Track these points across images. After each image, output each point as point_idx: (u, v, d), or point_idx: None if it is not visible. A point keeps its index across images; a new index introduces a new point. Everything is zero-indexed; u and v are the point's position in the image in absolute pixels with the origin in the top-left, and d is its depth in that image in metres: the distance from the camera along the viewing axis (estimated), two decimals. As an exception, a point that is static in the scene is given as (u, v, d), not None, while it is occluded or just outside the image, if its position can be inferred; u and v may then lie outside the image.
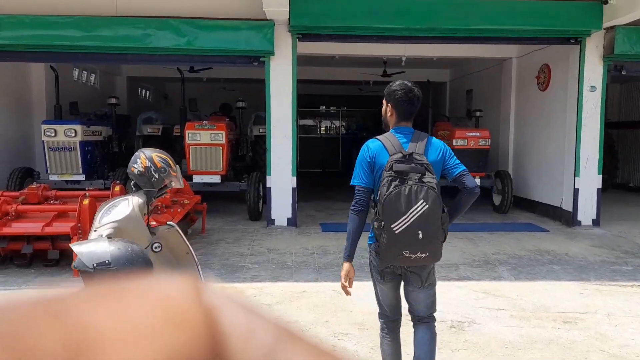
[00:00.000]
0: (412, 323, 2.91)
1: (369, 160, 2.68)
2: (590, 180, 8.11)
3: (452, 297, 4.88)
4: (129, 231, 2.88)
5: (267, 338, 0.24)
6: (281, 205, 7.86)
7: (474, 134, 9.09)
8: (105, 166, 9.13)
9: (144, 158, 3.00)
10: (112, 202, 2.99)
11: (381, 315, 2.94)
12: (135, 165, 3.00)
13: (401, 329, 3.00)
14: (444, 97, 14.29)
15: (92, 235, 2.83)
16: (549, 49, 8.77)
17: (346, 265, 2.82)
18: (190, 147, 8.32)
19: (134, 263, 2.39)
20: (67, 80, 10.57)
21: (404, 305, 2.90)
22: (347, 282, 2.87)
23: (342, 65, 12.88)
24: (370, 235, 2.76)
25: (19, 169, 8.30)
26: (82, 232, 5.26)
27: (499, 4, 7.56)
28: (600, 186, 8.18)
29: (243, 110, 10.11)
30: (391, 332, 2.90)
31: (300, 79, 7.95)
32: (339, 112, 19.76)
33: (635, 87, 12.82)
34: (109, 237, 2.75)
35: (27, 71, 9.70)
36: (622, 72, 8.15)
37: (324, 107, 19.72)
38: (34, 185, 6.52)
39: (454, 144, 8.64)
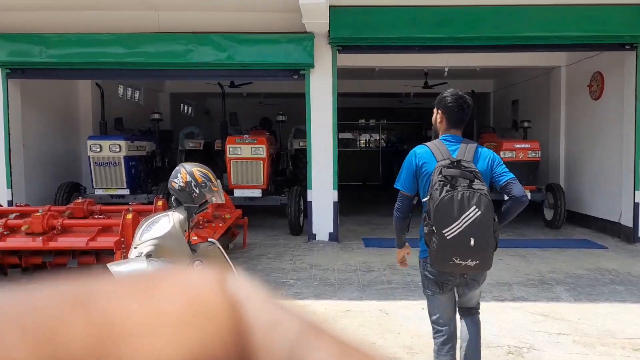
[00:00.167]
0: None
1: (414, 166, 2.71)
2: (651, 193, 7.60)
3: (507, 319, 4.58)
4: (169, 248, 2.78)
5: (292, 330, 0.23)
6: (322, 219, 7.71)
7: (523, 145, 8.70)
8: (149, 181, 9.23)
9: (184, 173, 2.91)
10: (153, 218, 2.91)
11: (439, 334, 2.81)
12: (175, 180, 2.92)
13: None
14: (488, 108, 13.89)
15: (133, 252, 2.75)
16: (601, 55, 8.34)
17: (400, 250, 2.97)
18: (231, 161, 8.30)
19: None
20: (113, 97, 10.84)
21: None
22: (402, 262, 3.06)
23: (382, 78, 12.71)
24: (421, 249, 2.74)
25: (66, 184, 8.48)
26: (125, 246, 5.25)
27: (549, 10, 7.25)
28: (662, 200, 7.65)
29: (283, 124, 10.07)
30: (450, 352, 2.79)
31: (340, 92, 7.83)
32: (379, 125, 19.54)
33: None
34: (149, 254, 2.67)
35: (75, 89, 9.98)
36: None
37: (363, 120, 19.56)
38: (79, 200, 6.61)
39: (502, 155, 8.28)
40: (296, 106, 11.15)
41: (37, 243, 5.44)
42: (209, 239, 3.08)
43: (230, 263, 3.06)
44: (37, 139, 8.55)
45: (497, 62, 9.78)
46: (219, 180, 3.05)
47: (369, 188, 16.34)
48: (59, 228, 5.66)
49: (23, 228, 5.61)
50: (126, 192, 8.47)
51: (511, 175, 2.68)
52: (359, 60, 9.18)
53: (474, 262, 2.53)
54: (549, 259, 6.79)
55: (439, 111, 2.78)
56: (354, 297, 5.19)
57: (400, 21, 7.33)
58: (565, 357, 3.84)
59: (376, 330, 4.32)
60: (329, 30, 7.37)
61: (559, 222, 8.72)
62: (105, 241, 5.47)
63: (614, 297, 5.21)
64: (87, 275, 0.24)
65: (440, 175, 2.55)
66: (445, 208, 2.50)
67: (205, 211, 3.44)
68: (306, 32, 7.43)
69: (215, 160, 9.77)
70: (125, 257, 3.91)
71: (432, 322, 2.83)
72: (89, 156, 8.47)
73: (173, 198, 2.98)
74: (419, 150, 2.75)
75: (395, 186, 2.82)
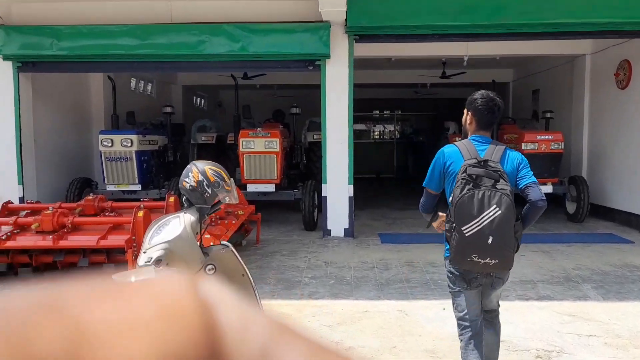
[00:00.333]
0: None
1: (442, 165, 2.75)
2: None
3: (533, 320, 4.36)
4: (180, 252, 2.62)
5: (263, 332, 0.24)
6: (337, 215, 7.51)
7: (546, 137, 8.39)
8: (161, 176, 9.10)
9: (195, 172, 2.74)
10: (163, 220, 2.75)
11: (465, 331, 2.80)
12: (186, 180, 2.74)
13: None
14: (507, 98, 13.52)
15: (142, 257, 2.59)
16: (628, 43, 7.99)
17: (435, 222, 2.97)
18: (244, 155, 8.12)
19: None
20: (125, 90, 10.70)
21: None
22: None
23: (398, 68, 12.43)
24: (446, 247, 2.77)
25: (78, 179, 8.37)
26: (137, 245, 5.11)
27: (576, -5, 6.92)
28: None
29: (297, 116, 9.85)
30: (477, 348, 2.78)
31: (354, 83, 7.59)
32: (393, 116, 19.24)
33: None
34: (159, 260, 2.51)
35: (87, 82, 9.85)
36: None
37: (377, 112, 19.27)
38: (90, 197, 6.49)
39: (523, 147, 7.99)
40: (310, 98, 10.93)
41: (47, 242, 5.33)
42: (222, 242, 2.90)
43: (245, 267, 2.89)
44: (49, 134, 8.44)
45: (519, 51, 9.46)
46: (232, 179, 2.87)
47: (383, 180, 16.11)
48: (70, 226, 5.54)
49: (33, 226, 5.50)
50: (138, 187, 8.34)
51: (533, 179, 2.69)
52: (375, 50, 8.92)
53: (493, 261, 2.56)
54: (574, 254, 6.54)
55: (469, 112, 2.79)
56: (372, 296, 5.00)
57: (421, 9, 7.06)
58: (599, 363, 3.62)
59: (396, 333, 4.13)
60: (345, 19, 7.13)
61: (582, 215, 8.43)
62: (116, 239, 5.34)
63: (646, 297, 4.96)
64: (59, 279, 0.23)
65: (464, 174, 2.59)
66: (465, 206, 2.55)
67: (218, 211, 3.27)
68: (322, 21, 7.19)
69: (228, 154, 9.60)
70: (136, 258, 3.75)
71: (459, 319, 2.82)
72: (100, 151, 8.35)
73: (184, 198, 2.81)
74: (448, 149, 2.77)
75: (423, 185, 2.88)
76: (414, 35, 7.44)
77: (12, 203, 6.73)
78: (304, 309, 4.68)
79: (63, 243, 5.39)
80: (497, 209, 2.51)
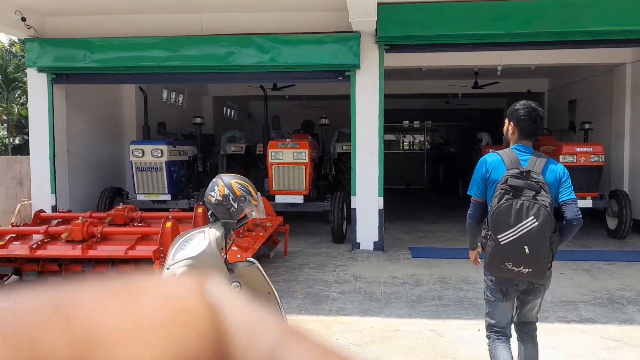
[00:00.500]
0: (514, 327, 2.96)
1: (484, 173, 2.78)
2: None
3: (576, 344, 4.11)
4: (204, 269, 2.52)
5: (271, 335, 0.24)
6: (367, 227, 7.36)
7: (585, 149, 8.06)
8: (191, 186, 9.12)
9: (221, 185, 2.65)
10: (188, 235, 2.67)
11: (494, 332, 2.90)
12: (212, 194, 2.66)
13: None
14: (542, 108, 13.13)
15: (165, 273, 2.51)
16: (673, 50, 7.64)
17: (473, 252, 3.03)
18: (273, 166, 8.06)
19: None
20: (156, 101, 10.83)
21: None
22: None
23: (429, 78, 12.24)
24: (484, 255, 2.82)
25: (109, 189, 8.46)
26: (164, 256, 5.08)
27: (618, 2, 6.64)
28: None
29: (326, 127, 9.77)
30: (504, 342, 2.89)
31: (384, 94, 7.45)
32: (424, 127, 18.99)
33: None
34: (182, 276, 2.41)
35: (119, 93, 10.01)
36: None
37: (407, 122, 19.07)
38: (120, 207, 6.53)
39: (561, 160, 7.67)
40: (339, 109, 10.84)
41: (76, 251, 5.34)
42: (248, 259, 2.80)
43: (271, 284, 2.78)
44: (82, 144, 8.58)
45: (555, 60, 9.17)
46: (259, 193, 2.77)
47: (413, 192, 15.85)
48: (99, 236, 5.56)
49: (63, 236, 5.54)
50: (167, 197, 8.37)
51: (572, 195, 2.71)
52: (405, 60, 8.79)
53: (527, 270, 2.61)
54: (616, 273, 6.20)
55: (511, 123, 2.81)
56: (403, 314, 4.82)
57: (453, 18, 6.89)
58: (651, 396, 3.35)
59: (428, 355, 3.95)
60: (376, 29, 7.02)
61: (624, 232, 8.04)
62: (144, 250, 5.32)
63: (699, 322, 4.62)
64: (67, 282, 0.23)
65: (504, 184, 2.62)
66: (502, 215, 2.60)
67: (244, 226, 3.18)
68: (352, 32, 7.11)
69: (257, 165, 9.59)
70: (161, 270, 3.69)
71: (489, 324, 2.90)
72: (131, 161, 8.42)
73: (210, 213, 2.73)
74: (490, 158, 2.80)
75: (467, 193, 2.90)
76: (445, 44, 7.28)
77: (44, 212, 6.84)
78: (332, 326, 4.53)
79: (92, 253, 5.40)
80: (535, 220, 2.55)
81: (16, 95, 31.99)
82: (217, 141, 10.85)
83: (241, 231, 5.69)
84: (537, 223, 2.54)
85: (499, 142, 7.46)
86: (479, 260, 3.03)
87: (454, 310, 4.90)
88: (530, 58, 9.01)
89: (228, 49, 7.35)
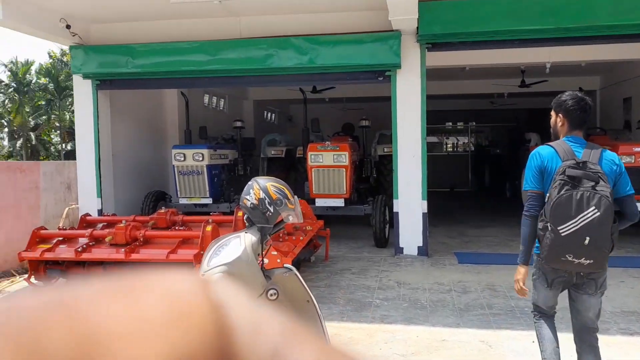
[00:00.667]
0: (574, 339, 2.88)
1: (540, 165, 2.73)
2: None
3: (640, 360, 3.79)
4: (239, 275, 2.42)
5: (275, 334, 0.24)
6: (410, 232, 7.13)
7: (644, 148, 7.57)
8: (231, 189, 9.14)
9: (257, 189, 2.55)
10: (223, 241, 2.57)
11: (538, 311, 2.94)
12: (247, 198, 2.56)
13: None
14: (594, 107, 12.49)
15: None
16: None
17: (523, 270, 2.82)
18: (313, 169, 7.96)
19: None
20: (198, 105, 10.95)
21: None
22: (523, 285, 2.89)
23: (473, 77, 11.88)
24: (536, 245, 2.78)
25: (153, 193, 8.57)
26: (204, 260, 5.04)
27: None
28: None
29: (366, 129, 9.60)
30: (548, 320, 2.92)
31: (426, 95, 7.22)
32: (468, 128, 18.51)
33: None
34: (217, 283, 2.32)
35: (162, 98, 10.16)
36: None
37: (450, 124, 18.64)
38: (163, 210, 6.57)
39: (617, 160, 7.23)
40: (380, 110, 10.64)
41: (119, 255, 5.40)
42: (285, 265, 2.68)
43: (310, 293, 2.65)
44: (126, 148, 8.73)
45: (608, 56, 8.69)
46: (296, 197, 2.65)
47: (457, 194, 15.43)
48: (141, 239, 5.59)
49: (107, 239, 5.60)
50: (209, 201, 8.41)
51: (631, 190, 2.69)
52: (448, 59, 8.52)
53: (588, 261, 2.56)
54: (682, 282, 5.75)
55: (559, 115, 2.79)
56: (450, 323, 4.59)
57: (498, 13, 6.61)
58: None
59: (478, 367, 3.72)
60: (417, 27, 6.81)
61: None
62: (185, 254, 5.31)
63: None
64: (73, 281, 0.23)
65: (562, 175, 2.59)
66: (563, 206, 2.55)
67: (281, 231, 3.06)
68: (392, 31, 6.92)
69: (297, 168, 9.52)
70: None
71: (534, 304, 2.93)
72: (173, 165, 8.51)
73: (245, 217, 2.63)
74: (543, 150, 2.75)
75: (524, 189, 2.81)
76: (490, 41, 6.99)
77: (90, 216, 6.96)
78: (375, 334, 4.37)
79: (134, 256, 5.43)
80: (596, 210, 2.51)
81: (68, 103, 33.32)
82: (257, 145, 10.86)
83: (281, 235, 5.60)
84: (598, 213, 2.51)
85: (548, 142, 7.07)
86: (525, 289, 2.83)
87: (505, 320, 4.64)
88: (582, 54, 8.57)
89: (266, 51, 7.30)
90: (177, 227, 6.26)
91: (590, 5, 6.47)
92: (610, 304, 4.78)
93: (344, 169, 7.90)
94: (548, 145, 2.75)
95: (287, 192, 2.57)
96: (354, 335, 4.35)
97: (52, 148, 36.81)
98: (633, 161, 7.43)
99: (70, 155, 27.69)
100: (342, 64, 7.24)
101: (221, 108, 12.75)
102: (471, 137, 18.66)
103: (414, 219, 7.10)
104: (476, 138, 18.66)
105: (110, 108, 8.24)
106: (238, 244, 2.48)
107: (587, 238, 2.52)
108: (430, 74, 7.95)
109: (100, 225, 6.42)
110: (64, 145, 36.02)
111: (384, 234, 7.61)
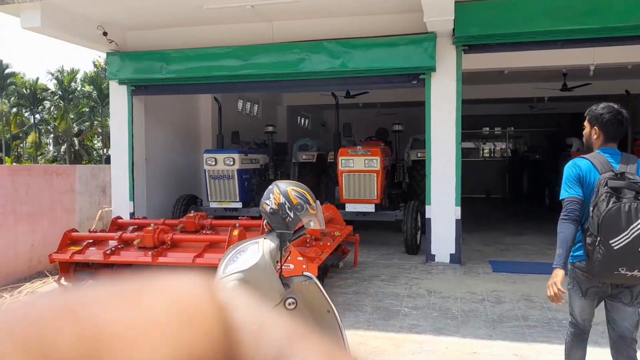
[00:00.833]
0: (610, 352, 2.84)
1: (578, 174, 2.72)
2: None
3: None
4: (257, 283, 2.33)
5: (279, 336, 0.24)
6: (443, 238, 6.92)
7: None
8: (262, 194, 9.13)
9: (277, 193, 2.46)
10: (241, 246, 2.50)
11: (572, 326, 2.92)
12: (267, 202, 2.48)
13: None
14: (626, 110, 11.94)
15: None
16: None
17: (561, 273, 2.68)
18: (343, 174, 7.85)
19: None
20: (232, 110, 11.02)
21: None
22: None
23: (511, 81, 11.54)
24: (573, 253, 2.76)
25: (184, 197, 8.65)
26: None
27: None
28: None
29: (399, 134, 9.42)
30: (580, 342, 2.90)
31: (462, 99, 7.00)
32: (505, 133, 18.03)
33: None
34: (233, 291, 2.23)
35: (196, 104, 10.28)
36: None
37: (487, 129, 18.20)
38: (191, 214, 6.59)
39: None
40: (414, 115, 10.45)
41: (147, 258, 5.42)
42: (305, 273, 2.58)
43: (330, 302, 2.54)
44: (159, 153, 8.85)
45: (657, 57, 8.23)
46: (318, 202, 2.54)
47: (494, 201, 15.01)
48: (169, 243, 5.60)
49: (135, 242, 5.64)
50: (239, 205, 8.41)
51: None
52: (485, 62, 8.25)
53: None
54: None
55: (595, 127, 2.77)
56: (482, 335, 4.39)
57: (539, 13, 6.35)
58: None
59: (511, 383, 3.52)
60: (453, 29, 6.62)
61: None
62: (212, 258, 5.28)
63: None
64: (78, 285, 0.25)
65: (606, 187, 2.57)
66: (613, 219, 2.52)
67: (303, 237, 2.95)
68: (427, 33, 6.76)
69: (328, 173, 9.44)
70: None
71: (570, 314, 2.90)
72: (204, 169, 8.56)
73: (265, 222, 2.54)
74: (580, 162, 2.75)
75: (562, 197, 2.75)
76: (530, 42, 6.73)
77: (121, 219, 7.06)
78: (402, 345, 4.21)
79: (162, 260, 5.45)
80: None
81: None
82: (289, 149, 10.84)
83: (308, 240, 5.51)
84: None
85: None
86: (563, 290, 2.64)
87: (541, 332, 4.40)
88: (628, 55, 8.14)
89: (299, 55, 7.26)
90: (205, 231, 6.27)
91: (637, 3, 6.14)
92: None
93: (375, 174, 7.75)
94: (583, 157, 2.74)
95: (308, 196, 2.47)
96: (380, 344, 4.21)
97: (94, 153, 38.00)
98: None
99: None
100: (375, 68, 7.11)
101: (255, 114, 12.82)
102: (509, 142, 18.15)
103: (446, 226, 6.89)
104: (514, 143, 18.14)
105: (144, 113, 8.37)
106: (256, 251, 2.40)
107: None
108: (467, 78, 7.73)
109: (130, 228, 6.49)
110: (105, 150, 37.11)
111: (415, 241, 7.42)
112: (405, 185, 9.23)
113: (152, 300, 0.23)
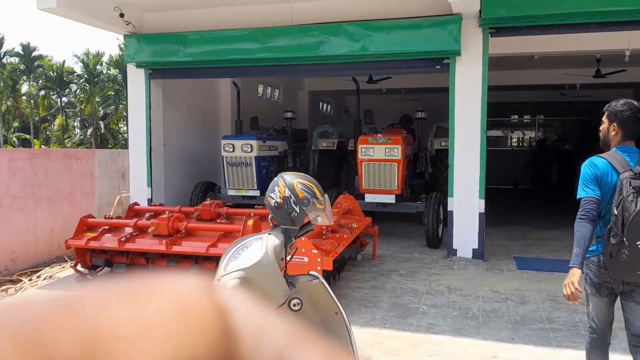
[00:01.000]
0: (629, 349, 2.81)
1: (596, 174, 2.69)
2: None
3: None
4: (259, 282, 2.16)
5: (279, 338, 0.24)
6: (465, 232, 6.65)
7: None
8: (280, 182, 8.96)
9: (282, 186, 2.27)
10: (244, 242, 2.33)
11: (590, 329, 2.87)
12: (272, 195, 2.30)
13: None
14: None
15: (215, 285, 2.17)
16: None
17: (579, 272, 2.63)
18: (363, 163, 7.60)
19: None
20: (253, 96, 10.85)
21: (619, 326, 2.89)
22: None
23: (541, 67, 11.05)
24: (590, 248, 2.71)
25: (202, 183, 8.53)
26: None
27: None
28: None
29: (423, 121, 9.11)
30: (599, 349, 2.84)
31: (488, 85, 6.66)
32: (535, 122, 17.45)
33: None
34: (232, 291, 2.06)
35: (215, 88, 10.12)
36: None
37: (516, 117, 17.64)
38: (207, 202, 6.47)
39: None
40: (439, 101, 10.12)
41: (161, 246, 5.32)
42: (311, 272, 2.40)
43: (338, 304, 2.36)
44: (177, 138, 8.74)
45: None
46: (326, 196, 2.35)
47: (521, 192, 14.56)
48: (183, 231, 5.49)
49: (150, 230, 5.55)
50: (257, 193, 8.26)
51: None
52: (514, 47, 7.87)
53: None
54: None
55: (614, 124, 2.74)
56: (503, 337, 4.16)
57: (572, -7, 5.97)
58: None
59: (534, 391, 3.29)
60: (479, 10, 6.28)
61: None
62: (225, 248, 5.13)
63: None
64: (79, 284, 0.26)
65: (631, 187, 2.54)
66: None
67: (310, 233, 2.76)
68: (452, 14, 6.43)
69: (349, 161, 9.20)
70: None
71: (588, 316, 2.88)
72: (222, 156, 8.43)
73: (270, 217, 2.37)
74: (597, 161, 2.72)
75: (579, 196, 2.71)
76: (563, 25, 6.34)
77: (138, 205, 6.99)
78: (418, 345, 4.01)
79: (176, 248, 5.35)
80: None
81: (134, 94, 34.60)
82: (309, 136, 10.63)
83: (324, 232, 5.33)
84: None
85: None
86: (581, 290, 2.60)
87: (567, 336, 4.15)
88: (669, 40, 7.67)
89: (318, 38, 7.00)
90: (220, 220, 6.14)
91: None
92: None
93: (396, 164, 7.49)
94: (600, 156, 2.71)
95: (316, 190, 2.28)
96: (395, 344, 4.02)
97: (119, 137, 38.43)
98: None
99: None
100: (396, 51, 6.81)
101: (276, 99, 12.63)
102: (539, 131, 17.58)
103: (469, 219, 6.61)
104: (544, 132, 17.56)
105: (162, 97, 8.25)
106: (259, 247, 2.23)
107: None
108: (494, 63, 7.37)
109: (147, 215, 6.41)
110: (130, 133, 37.45)
111: (437, 234, 7.17)
112: (428, 175, 8.94)
113: (152, 302, 0.23)
